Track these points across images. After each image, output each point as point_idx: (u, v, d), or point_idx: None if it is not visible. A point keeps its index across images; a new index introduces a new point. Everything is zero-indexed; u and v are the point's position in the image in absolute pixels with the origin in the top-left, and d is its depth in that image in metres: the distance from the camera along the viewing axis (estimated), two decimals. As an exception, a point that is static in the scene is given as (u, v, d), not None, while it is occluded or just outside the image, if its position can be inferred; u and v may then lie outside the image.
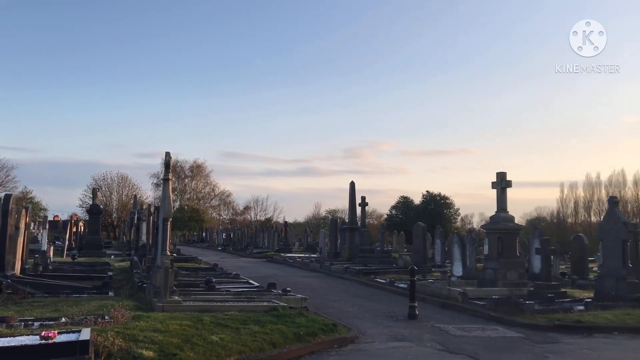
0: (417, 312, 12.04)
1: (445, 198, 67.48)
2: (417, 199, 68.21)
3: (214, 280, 15.39)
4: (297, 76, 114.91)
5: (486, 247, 38.56)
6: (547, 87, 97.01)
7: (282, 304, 10.81)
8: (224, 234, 56.21)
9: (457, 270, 19.32)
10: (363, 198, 27.18)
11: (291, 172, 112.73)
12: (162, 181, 10.96)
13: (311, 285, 18.42)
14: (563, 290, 14.40)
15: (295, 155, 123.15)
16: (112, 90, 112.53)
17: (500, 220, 16.24)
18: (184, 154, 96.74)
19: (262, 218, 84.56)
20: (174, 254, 31.78)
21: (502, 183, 16.44)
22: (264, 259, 32.69)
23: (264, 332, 8.66)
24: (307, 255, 33.27)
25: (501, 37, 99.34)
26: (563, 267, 24.64)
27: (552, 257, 14.84)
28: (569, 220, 60.17)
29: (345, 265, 22.47)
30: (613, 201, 13.37)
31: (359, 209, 27.60)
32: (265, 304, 10.85)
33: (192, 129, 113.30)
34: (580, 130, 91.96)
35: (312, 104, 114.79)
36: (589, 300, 12.50)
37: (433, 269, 23.46)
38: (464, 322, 11.77)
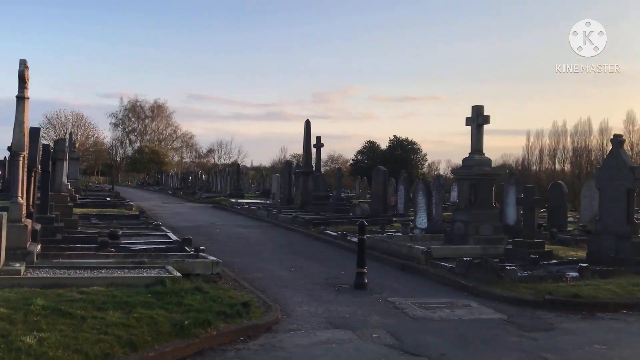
0: (366, 281, 9.22)
1: (412, 143, 64.97)
2: (385, 145, 65.52)
3: (120, 232, 12.30)
4: (267, 19, 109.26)
5: (453, 195, 36.57)
6: (518, 32, 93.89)
7: (175, 274, 7.78)
8: (177, 177, 52.74)
9: (421, 221, 16.61)
10: (318, 139, 24.05)
11: (259, 116, 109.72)
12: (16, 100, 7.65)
13: (248, 238, 15.52)
14: (547, 249, 11.77)
15: (264, 99, 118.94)
16: (76, 26, 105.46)
17: (475, 163, 13.41)
18: (149, 95, 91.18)
19: (227, 161, 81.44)
20: (107, 198, 28.58)
21: (478, 119, 13.51)
22: (211, 204, 29.69)
23: (124, 324, 5.67)
24: (258, 201, 30.32)
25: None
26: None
27: (535, 209, 12.13)
28: (534, 167, 59.63)
29: (293, 214, 19.57)
30: (618, 140, 10.59)
31: (314, 151, 24.53)
32: (152, 274, 7.81)
33: (158, 69, 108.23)
34: (548, 77, 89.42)
35: (282, 47, 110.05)
36: (584, 264, 9.85)
37: (394, 219, 20.78)
38: (427, 294, 9.03)
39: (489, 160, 13.66)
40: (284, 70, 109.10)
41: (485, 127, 13.66)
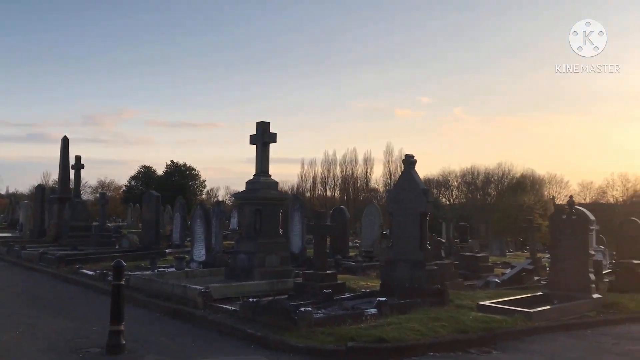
0: (123, 341, 6.84)
1: (191, 169, 62.32)
2: (162, 170, 61.79)
3: None
4: (32, 30, 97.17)
5: (233, 222, 35.12)
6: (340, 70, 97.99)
7: None
8: None
9: (199, 253, 14.54)
10: (77, 158, 20.47)
11: (18, 138, 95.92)
12: None
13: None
14: (339, 281, 10.61)
15: (24, 118, 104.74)
16: None
17: (261, 186, 11.85)
18: None
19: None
20: None
21: (263, 136, 12.03)
22: None
23: None
24: (3, 235, 25.17)
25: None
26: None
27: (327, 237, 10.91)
28: (307, 194, 62.03)
29: (41, 250, 15.92)
30: (410, 161, 9.91)
31: (73, 174, 20.84)
32: None
33: None
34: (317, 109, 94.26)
35: (46, 61, 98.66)
36: (382, 299, 8.77)
37: (169, 252, 18.35)
38: (205, 351, 7.01)
39: (275, 183, 12.22)
40: (48, 87, 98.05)
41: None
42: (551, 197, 54.37)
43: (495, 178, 58.22)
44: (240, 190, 12.28)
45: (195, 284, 11.14)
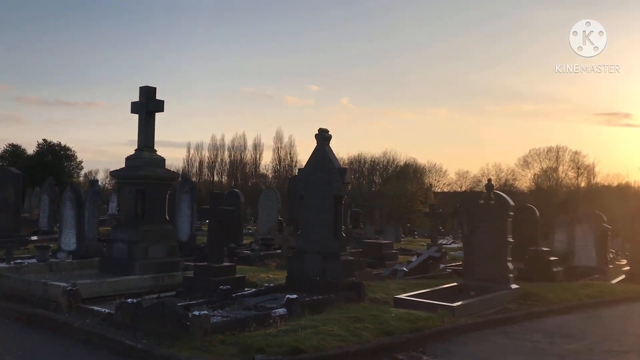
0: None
1: (66, 149, 56.96)
2: (32, 150, 56.07)
3: None
4: None
5: (112, 206, 32.15)
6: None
7: None
8: None
9: (68, 242, 12.38)
10: None
11: None
12: None
13: None
14: (239, 275, 9.10)
15: None
16: None
17: (144, 162, 10.00)
18: None
19: None
20: None
21: (148, 104, 10.16)
22: None
23: None
24: None
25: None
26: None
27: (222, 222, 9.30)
28: (194, 179, 59.53)
29: None
30: (324, 136, 8.56)
31: None
32: None
33: None
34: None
35: None
36: (292, 296, 7.40)
37: (34, 239, 15.84)
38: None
39: (162, 160, 10.40)
40: None
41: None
42: (429, 185, 56.19)
43: (381, 166, 58.99)
44: (118, 169, 10.35)
45: (61, 279, 9.19)
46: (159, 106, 10.21)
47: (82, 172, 61.44)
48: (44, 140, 56.23)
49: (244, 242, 17.06)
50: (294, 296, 7.30)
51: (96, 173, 68.62)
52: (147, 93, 10.15)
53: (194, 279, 8.71)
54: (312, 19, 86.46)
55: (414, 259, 13.72)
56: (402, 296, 8.55)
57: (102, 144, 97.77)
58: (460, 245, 22.41)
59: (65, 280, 8.86)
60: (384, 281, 11.33)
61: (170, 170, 10.74)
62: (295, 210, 16.24)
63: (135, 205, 9.90)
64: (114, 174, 10.38)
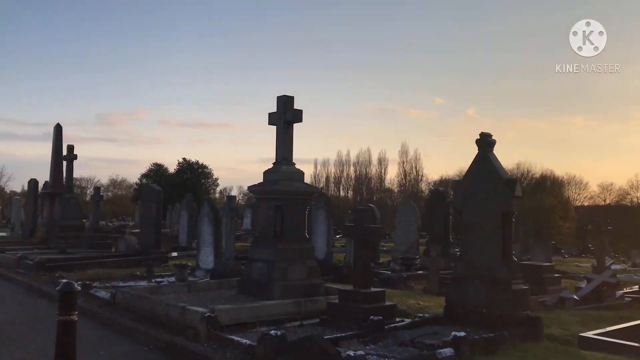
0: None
1: (203, 167, 59.90)
2: (173, 168, 59.54)
3: None
4: (49, 33, 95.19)
5: (246, 221, 32.66)
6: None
7: None
8: None
9: (206, 260, 12.06)
10: (70, 148, 17.98)
11: (35, 137, 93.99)
12: None
13: None
14: (390, 302, 7.98)
15: (41, 118, 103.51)
16: None
17: (282, 176, 9.30)
18: None
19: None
20: None
21: (286, 114, 9.48)
22: None
23: None
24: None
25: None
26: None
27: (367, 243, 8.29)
28: None
29: (19, 254, 13.48)
30: (487, 141, 7.28)
31: (65, 166, 18.40)
32: None
33: None
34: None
35: (61, 63, 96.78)
36: (460, 334, 6.16)
37: (174, 255, 15.95)
38: None
39: (300, 173, 9.66)
40: (65, 89, 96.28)
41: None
42: (568, 198, 51.45)
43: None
44: (255, 183, 9.75)
45: (199, 300, 8.73)
46: (297, 116, 9.49)
47: (218, 189, 64.22)
48: (183, 159, 59.42)
49: (381, 260, 16.02)
50: (462, 334, 6.05)
51: (230, 190, 71.29)
52: (285, 102, 9.48)
53: (338, 305, 7.75)
54: (438, 33, 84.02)
55: (582, 284, 11.81)
56: (591, 335, 6.95)
57: (235, 162, 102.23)
58: (625, 266, 19.74)
59: (203, 304, 8.37)
60: (553, 311, 9.64)
61: (309, 184, 9.98)
62: (438, 227, 14.92)
63: (274, 221, 9.20)
64: (251, 189, 9.79)
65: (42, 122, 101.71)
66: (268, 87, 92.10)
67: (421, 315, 7.83)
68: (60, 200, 17.25)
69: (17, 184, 67.38)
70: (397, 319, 7.62)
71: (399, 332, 6.89)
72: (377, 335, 6.65)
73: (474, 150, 7.47)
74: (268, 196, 9.38)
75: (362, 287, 7.68)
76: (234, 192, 69.72)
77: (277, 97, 9.64)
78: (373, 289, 7.87)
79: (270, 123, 9.74)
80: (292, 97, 9.57)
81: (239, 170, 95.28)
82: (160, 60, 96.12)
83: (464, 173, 8.35)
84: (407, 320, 7.48)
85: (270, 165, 9.58)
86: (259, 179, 9.65)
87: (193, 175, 58.36)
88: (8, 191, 61.34)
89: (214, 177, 61.44)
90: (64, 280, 5.04)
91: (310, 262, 9.41)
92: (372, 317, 6.89)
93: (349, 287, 8.02)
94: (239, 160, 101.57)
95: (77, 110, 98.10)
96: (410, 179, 58.84)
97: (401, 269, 13.56)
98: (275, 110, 9.64)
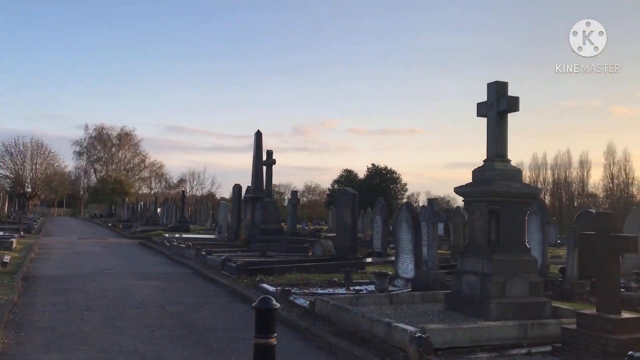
0: None
1: (392, 172, 59.79)
2: (363, 174, 60.38)
3: None
4: (248, 51, 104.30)
5: (440, 226, 31.23)
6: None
7: None
8: (129, 208, 46.75)
9: (405, 268, 11.11)
10: (269, 153, 18.40)
11: (239, 148, 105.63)
12: None
13: (127, 302, 9.72)
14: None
15: (244, 131, 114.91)
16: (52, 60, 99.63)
17: (497, 176, 7.98)
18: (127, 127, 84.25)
19: (200, 192, 76.47)
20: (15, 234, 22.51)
21: (499, 102, 8.15)
22: (141, 239, 23.82)
23: None
24: (204, 236, 24.59)
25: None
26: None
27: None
28: None
29: (224, 256, 13.83)
30: None
31: (265, 171, 18.88)
32: None
33: (135, 101, 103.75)
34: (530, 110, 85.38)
35: (260, 80, 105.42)
36: None
37: (369, 261, 15.33)
38: None
39: (518, 172, 8.23)
40: (265, 103, 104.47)
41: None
42: None
43: None
44: (463, 184, 8.55)
45: (404, 315, 7.82)
46: (513, 104, 8.09)
47: (406, 194, 63.45)
48: (372, 164, 59.88)
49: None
50: None
51: (418, 195, 70.10)
52: (498, 89, 8.15)
53: (577, 332, 6.23)
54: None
55: None
56: None
57: (421, 168, 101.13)
58: None
59: (408, 317, 7.44)
60: None
61: (528, 184, 8.51)
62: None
63: (488, 228, 7.91)
64: (459, 190, 8.60)
65: (245, 134, 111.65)
66: (451, 91, 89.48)
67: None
68: (260, 204, 17.72)
69: (226, 191, 74.07)
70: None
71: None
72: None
73: None
74: (480, 198, 8.11)
75: (609, 311, 6.08)
76: (421, 197, 68.37)
77: (488, 83, 8.36)
78: (626, 316, 6.21)
79: (479, 115, 8.48)
80: (506, 83, 8.22)
81: (425, 176, 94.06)
82: (348, 72, 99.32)
83: None
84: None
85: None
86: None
87: (382, 180, 58.49)
88: (218, 197, 67.38)
89: (402, 182, 60.96)
90: (261, 297, 4.39)
91: (533, 277, 7.93)
92: (631, 352, 5.31)
93: (590, 311, 6.45)
94: (425, 166, 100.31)
95: (275, 122, 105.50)
96: (619, 182, 52.75)
97: (638, 286, 11.25)
98: (485, 100, 8.36)
